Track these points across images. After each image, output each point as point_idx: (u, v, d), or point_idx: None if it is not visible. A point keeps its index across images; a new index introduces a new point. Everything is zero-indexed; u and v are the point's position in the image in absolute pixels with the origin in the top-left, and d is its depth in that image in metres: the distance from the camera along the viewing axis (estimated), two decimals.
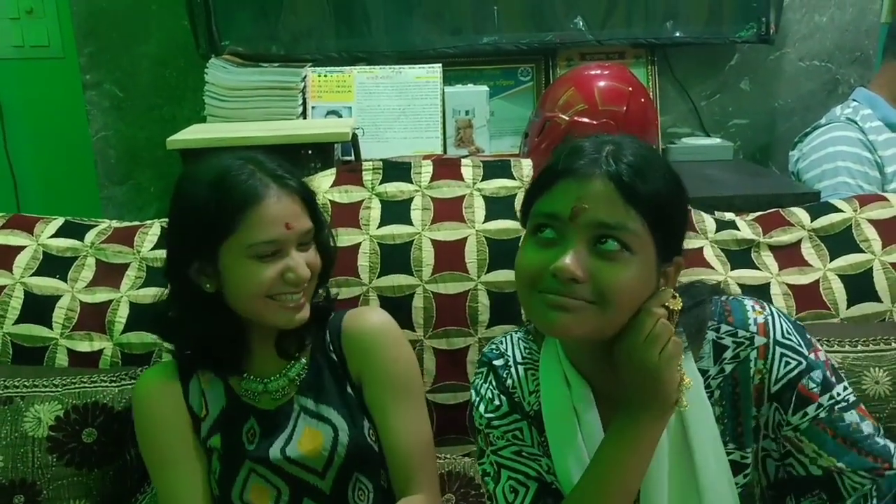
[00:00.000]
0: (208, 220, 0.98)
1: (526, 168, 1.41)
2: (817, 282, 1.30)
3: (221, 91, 1.86)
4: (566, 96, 1.79)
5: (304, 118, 1.91)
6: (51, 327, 1.29)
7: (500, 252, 1.31)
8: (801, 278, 1.30)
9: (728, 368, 0.87)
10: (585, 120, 1.75)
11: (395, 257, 1.31)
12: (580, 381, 0.89)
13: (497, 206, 1.36)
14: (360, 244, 1.31)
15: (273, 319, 1.02)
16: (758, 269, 1.32)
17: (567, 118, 1.75)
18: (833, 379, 0.85)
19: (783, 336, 0.86)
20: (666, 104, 2.18)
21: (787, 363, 0.85)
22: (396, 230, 1.33)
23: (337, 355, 1.10)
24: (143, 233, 1.39)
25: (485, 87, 1.97)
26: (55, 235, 1.39)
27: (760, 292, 1.27)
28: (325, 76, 1.94)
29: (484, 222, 1.33)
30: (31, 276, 1.33)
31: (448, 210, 1.35)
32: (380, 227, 1.33)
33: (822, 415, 0.84)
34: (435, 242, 1.31)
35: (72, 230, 1.40)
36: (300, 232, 1.00)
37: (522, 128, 1.96)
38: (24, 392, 1.16)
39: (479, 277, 1.29)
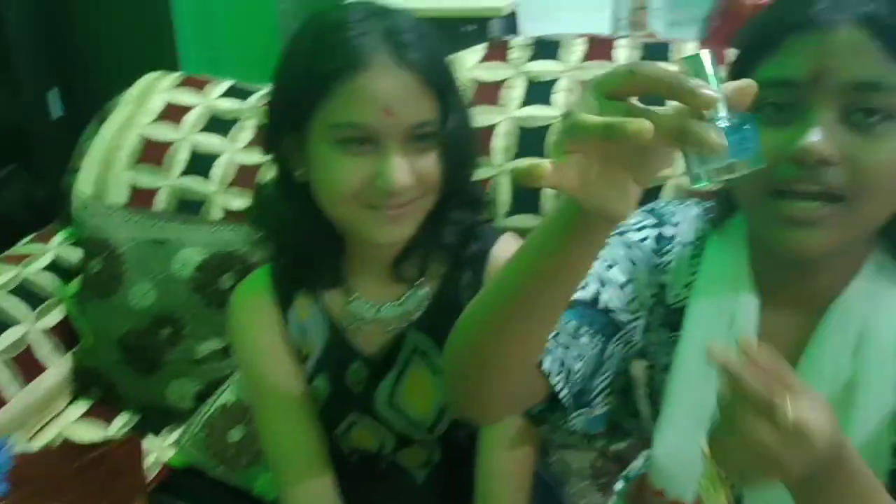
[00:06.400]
0: (297, 83, 0.79)
1: (688, 52, 1.25)
2: None
3: None
4: None
5: None
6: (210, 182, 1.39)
7: None
8: None
9: None
10: None
11: (532, 141, 1.24)
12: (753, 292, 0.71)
13: None
14: (497, 124, 1.26)
15: (361, 229, 0.82)
16: None
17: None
18: None
19: None
20: None
21: None
22: (536, 111, 1.25)
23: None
24: None
25: None
26: (223, 96, 1.47)
27: None
28: None
29: None
30: (197, 132, 1.43)
31: None
32: (521, 107, 1.27)
33: None
34: None
35: (238, 92, 1.48)
36: (406, 124, 0.77)
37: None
38: (177, 235, 1.27)
39: None
